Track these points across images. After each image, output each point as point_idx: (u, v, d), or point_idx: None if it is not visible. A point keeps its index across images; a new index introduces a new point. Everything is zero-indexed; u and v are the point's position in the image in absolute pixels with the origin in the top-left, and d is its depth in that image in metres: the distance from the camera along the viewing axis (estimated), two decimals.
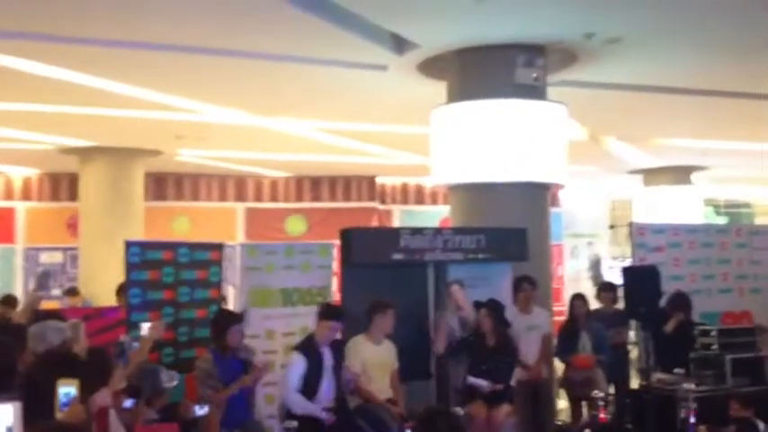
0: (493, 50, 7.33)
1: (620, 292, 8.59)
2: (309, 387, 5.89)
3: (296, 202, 15.34)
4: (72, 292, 11.35)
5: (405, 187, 16.08)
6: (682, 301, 7.54)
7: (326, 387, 5.98)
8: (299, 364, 5.90)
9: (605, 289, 8.66)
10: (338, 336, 6.18)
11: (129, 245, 6.71)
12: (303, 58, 7.61)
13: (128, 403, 4.45)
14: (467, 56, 7.47)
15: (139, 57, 7.42)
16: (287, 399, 5.89)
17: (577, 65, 7.91)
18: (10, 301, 8.65)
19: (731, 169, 15.53)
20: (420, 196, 16.07)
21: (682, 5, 6.44)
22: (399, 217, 15.80)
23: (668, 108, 10.08)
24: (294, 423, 5.01)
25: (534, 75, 7.32)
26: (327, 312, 6.14)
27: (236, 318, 6.10)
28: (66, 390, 3.29)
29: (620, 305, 8.57)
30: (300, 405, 5.82)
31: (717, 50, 7.71)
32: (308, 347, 6.00)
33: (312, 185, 15.42)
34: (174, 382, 4.93)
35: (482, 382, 6.37)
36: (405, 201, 16.07)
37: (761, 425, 5.47)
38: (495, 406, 6.44)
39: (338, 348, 6.12)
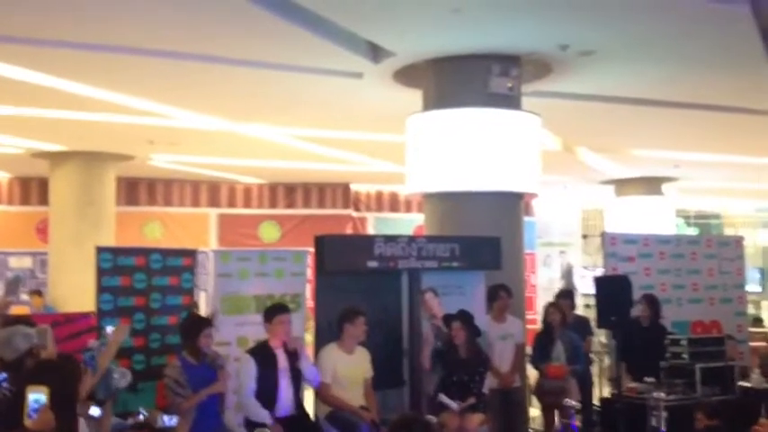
0: (468, 60, 7.37)
1: (584, 301, 8.68)
2: (266, 391, 5.82)
3: (270, 209, 15.28)
4: (35, 293, 11.18)
5: (379, 195, 16.10)
6: (651, 299, 7.68)
7: (285, 390, 5.90)
8: (249, 365, 5.85)
9: (563, 296, 8.70)
10: (291, 333, 6.13)
11: (99, 250, 6.65)
12: (278, 64, 7.60)
13: (95, 413, 4.37)
14: (442, 65, 7.50)
15: (111, 60, 7.36)
16: (243, 403, 5.85)
17: (552, 75, 7.98)
18: None
19: (702, 180, 15.74)
20: (394, 204, 16.09)
21: (655, 19, 6.52)
22: (374, 224, 15.80)
23: (641, 119, 10.20)
24: (266, 430, 4.98)
25: (509, 84, 7.37)
26: (273, 309, 6.10)
27: (206, 322, 6.05)
28: (36, 396, 3.23)
29: (581, 312, 8.66)
30: (254, 411, 5.79)
31: (689, 63, 7.82)
32: (259, 350, 5.96)
33: (286, 192, 15.37)
34: (128, 379, 4.86)
35: (452, 404, 6.36)
36: (379, 208, 16.08)
37: None
38: (467, 415, 6.44)
39: (293, 354, 6.05)
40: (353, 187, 15.69)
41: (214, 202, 15.02)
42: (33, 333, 4.79)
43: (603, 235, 8.95)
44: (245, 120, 10.09)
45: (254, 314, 6.83)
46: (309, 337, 7.05)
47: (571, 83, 8.28)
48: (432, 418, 5.65)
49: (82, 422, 3.72)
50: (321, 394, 6.16)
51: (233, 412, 6.26)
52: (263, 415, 5.75)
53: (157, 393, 6.40)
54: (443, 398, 6.40)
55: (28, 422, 3.14)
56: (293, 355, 6.00)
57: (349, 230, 15.10)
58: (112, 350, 5.06)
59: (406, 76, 7.91)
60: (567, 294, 8.76)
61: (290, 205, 15.36)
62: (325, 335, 6.40)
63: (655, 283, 8.50)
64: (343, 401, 6.11)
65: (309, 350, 6.61)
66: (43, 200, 13.10)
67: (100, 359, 4.86)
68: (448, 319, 6.69)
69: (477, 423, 6.43)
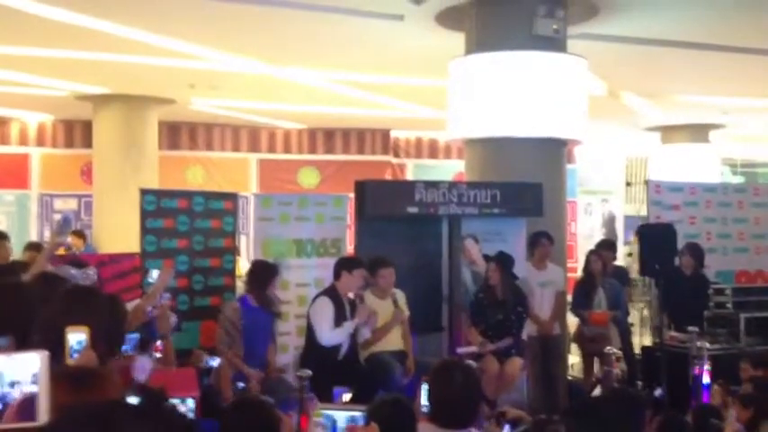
0: (512, 1, 7.19)
1: (627, 249, 8.57)
2: None
3: (309, 154, 15.27)
4: (76, 233, 11.33)
5: (419, 141, 15.96)
6: (694, 248, 7.54)
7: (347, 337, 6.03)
8: (329, 306, 5.94)
9: (604, 246, 8.57)
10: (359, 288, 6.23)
11: (143, 192, 6.72)
12: (319, 6, 7.50)
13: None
14: (485, 6, 7.33)
15: (154, 3, 7.33)
16: (325, 338, 5.92)
17: (599, 17, 7.76)
18: (38, 247, 8.67)
19: (750, 128, 15.33)
20: (434, 150, 15.95)
21: None
22: (412, 171, 15.72)
23: (689, 64, 9.91)
24: (308, 372, 5.03)
25: (554, 26, 7.18)
26: (355, 262, 6.17)
27: (276, 270, 6.12)
28: (77, 337, 3.26)
29: (622, 261, 8.56)
30: (338, 336, 5.92)
31: (740, 5, 7.54)
32: (332, 295, 6.03)
33: (325, 137, 15.33)
34: (172, 323, 4.91)
35: (468, 349, 6.37)
36: (418, 155, 15.96)
37: None
38: (506, 360, 6.46)
39: (353, 304, 6.14)
40: (393, 133, 15.59)
41: (254, 147, 15.05)
42: (78, 274, 4.87)
43: (648, 182, 8.80)
44: (285, 63, 10.03)
45: (295, 258, 6.88)
46: None
47: (618, 25, 8.04)
48: (472, 363, 5.65)
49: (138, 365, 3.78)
50: (360, 339, 6.21)
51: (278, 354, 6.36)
52: (346, 329, 5.92)
53: (201, 334, 6.52)
54: (460, 350, 6.41)
55: (70, 361, 3.18)
56: (353, 305, 6.07)
57: (388, 177, 15.05)
58: (158, 292, 5.14)
59: (449, 18, 7.74)
60: (608, 245, 8.64)
61: (330, 151, 15.32)
62: (366, 280, 6.42)
63: (700, 232, 8.36)
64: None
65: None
66: (87, 142, 13.22)
67: (145, 300, 4.94)
68: (487, 259, 6.69)
69: (516, 368, 6.45)
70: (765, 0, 7.36)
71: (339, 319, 5.96)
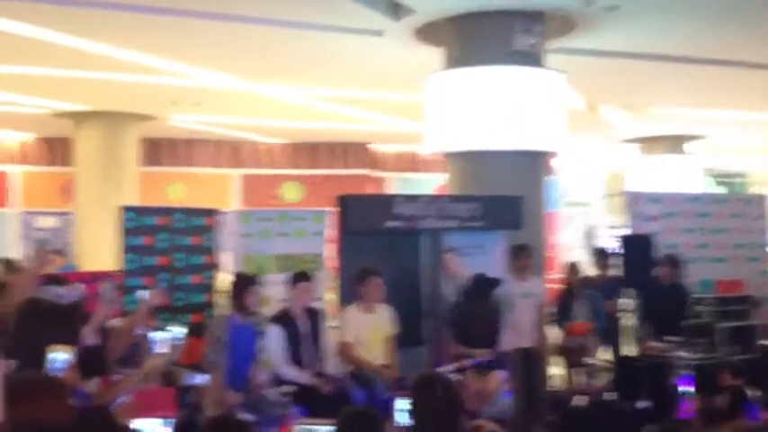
0: (490, 16, 7.26)
1: (614, 260, 8.59)
2: (291, 356, 5.93)
3: (292, 169, 15.29)
4: (56, 252, 11.27)
5: (401, 155, 16.03)
6: (672, 259, 7.61)
7: (307, 354, 5.99)
8: (277, 334, 5.92)
9: (599, 254, 8.61)
10: (314, 300, 6.23)
11: (124, 210, 6.70)
12: (298, 23, 7.54)
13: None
14: (464, 22, 7.39)
15: (135, 20, 7.34)
16: (280, 372, 5.92)
17: (576, 32, 7.85)
18: (8, 264, 8.60)
19: (727, 138, 15.51)
20: (414, 164, 16.01)
21: None
22: (393, 185, 15.77)
23: (667, 76, 10.03)
24: (291, 388, 5.04)
25: (532, 41, 7.26)
26: (299, 276, 6.16)
27: (252, 280, 6.04)
28: (61, 356, 3.26)
29: (613, 272, 8.57)
30: (294, 376, 5.87)
31: (716, 18, 7.66)
32: (282, 318, 6.03)
33: (309, 152, 15.36)
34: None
35: (447, 368, 6.37)
36: (399, 168, 16.02)
37: (750, 392, 5.50)
38: (486, 374, 6.45)
39: (313, 316, 6.13)
40: (375, 147, 15.64)
41: (237, 163, 15.05)
42: (64, 292, 4.86)
43: (625, 194, 8.86)
44: (267, 79, 10.06)
45: (276, 274, 6.88)
46: (329, 297, 7.09)
47: (596, 39, 8.14)
48: (452, 377, 5.66)
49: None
50: (342, 353, 6.21)
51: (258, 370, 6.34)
52: (303, 378, 5.84)
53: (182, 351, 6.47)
54: (440, 370, 6.40)
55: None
56: (314, 318, 6.05)
57: (369, 191, 15.09)
58: (144, 313, 5.12)
59: (427, 33, 7.81)
60: (601, 253, 8.60)
61: (313, 165, 15.35)
62: (349, 294, 6.43)
63: (679, 242, 8.41)
64: (361, 361, 6.15)
65: (332, 310, 6.66)
66: (68, 160, 13.19)
67: (130, 321, 4.93)
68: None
69: (497, 383, 6.45)
70: (740, 14, 7.48)
71: (293, 342, 5.91)
